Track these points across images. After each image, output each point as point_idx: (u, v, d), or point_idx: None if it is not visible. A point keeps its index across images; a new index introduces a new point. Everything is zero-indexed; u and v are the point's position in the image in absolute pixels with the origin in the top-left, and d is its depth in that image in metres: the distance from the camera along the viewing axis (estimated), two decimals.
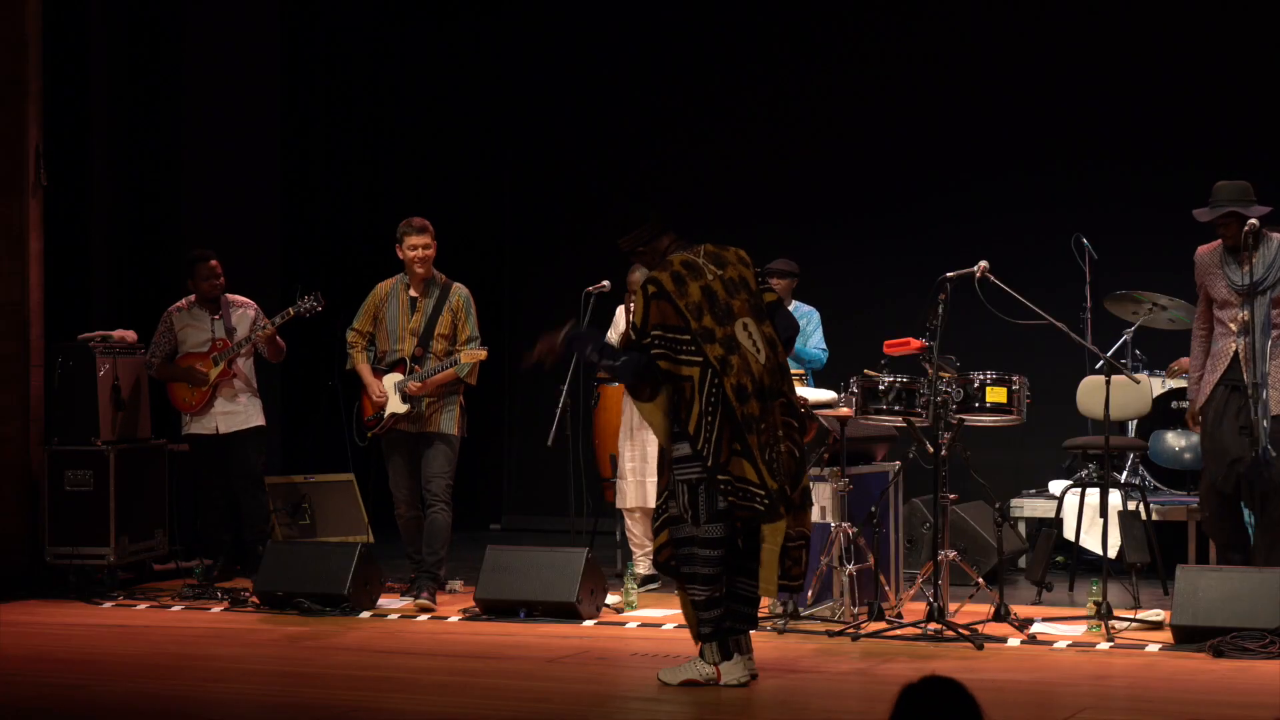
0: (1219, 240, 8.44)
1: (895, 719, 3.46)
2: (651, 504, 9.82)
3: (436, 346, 9.30)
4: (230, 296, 10.23)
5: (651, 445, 9.77)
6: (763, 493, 6.90)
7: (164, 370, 10.17)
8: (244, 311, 10.22)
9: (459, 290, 9.39)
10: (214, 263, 10.16)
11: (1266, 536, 8.33)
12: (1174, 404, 10.40)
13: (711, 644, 7.07)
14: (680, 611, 8.81)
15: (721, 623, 7.06)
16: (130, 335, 10.38)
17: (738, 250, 7.28)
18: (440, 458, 9.31)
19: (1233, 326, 8.30)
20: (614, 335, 10.05)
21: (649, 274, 7.18)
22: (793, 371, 10.22)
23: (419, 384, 9.24)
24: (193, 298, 10.20)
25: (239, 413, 10.14)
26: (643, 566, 9.89)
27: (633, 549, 10.01)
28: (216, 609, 9.29)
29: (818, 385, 10.04)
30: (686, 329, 6.97)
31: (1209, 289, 8.44)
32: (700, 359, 6.94)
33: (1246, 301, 8.27)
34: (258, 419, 10.23)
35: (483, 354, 9.31)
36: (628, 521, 10.05)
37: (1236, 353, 8.30)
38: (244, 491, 10.21)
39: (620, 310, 10.11)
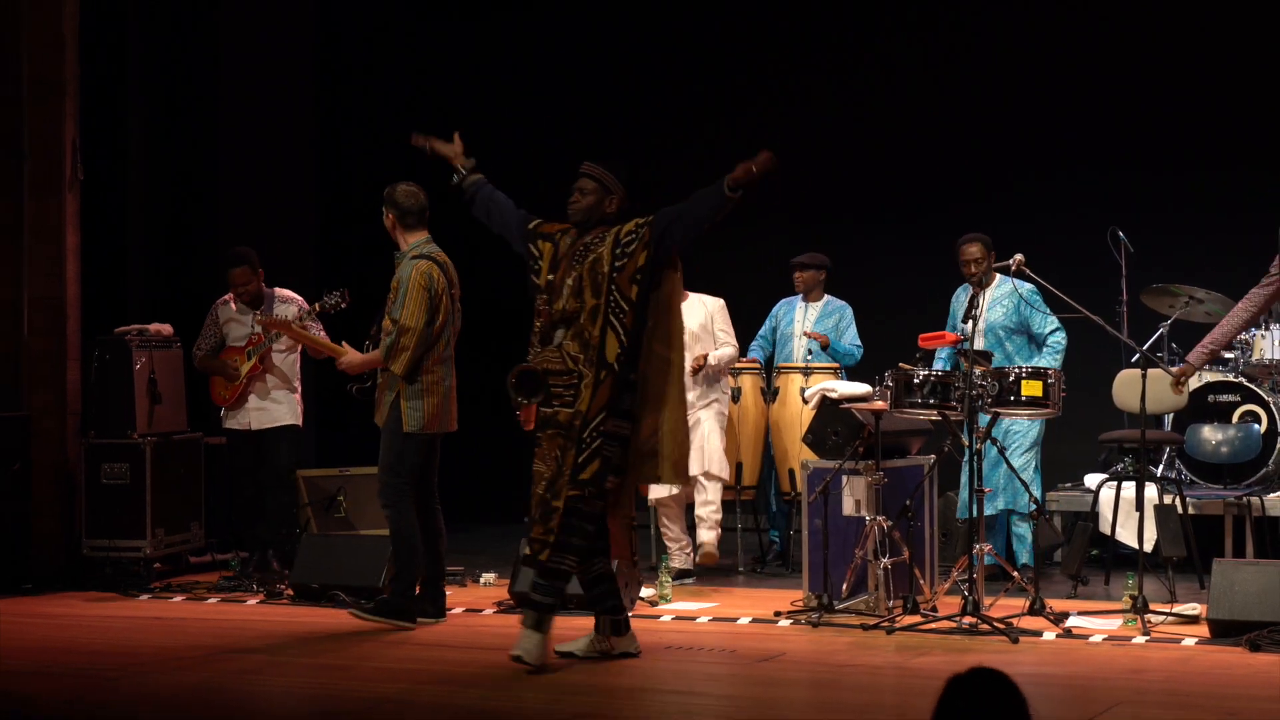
0: None
1: (941, 710, 3.45)
2: (681, 492, 9.87)
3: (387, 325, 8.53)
4: (279, 291, 10.09)
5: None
6: None
7: (205, 363, 10.11)
8: (287, 307, 9.99)
9: (415, 264, 8.45)
10: (241, 270, 9.89)
11: None
12: (1210, 398, 10.37)
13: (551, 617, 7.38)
14: (711, 605, 8.85)
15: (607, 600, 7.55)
16: (166, 329, 10.42)
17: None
18: (381, 450, 8.55)
19: None
20: None
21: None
22: (826, 365, 10.31)
23: (346, 362, 8.86)
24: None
25: (271, 409, 10.03)
26: (678, 560, 9.91)
27: (667, 543, 10.03)
28: (252, 601, 9.33)
29: (852, 379, 10.02)
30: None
31: None
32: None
33: None
34: (290, 418, 10.07)
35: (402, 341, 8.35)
36: (660, 514, 10.06)
37: None
38: (269, 490, 10.08)
39: None
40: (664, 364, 7.32)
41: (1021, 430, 9.60)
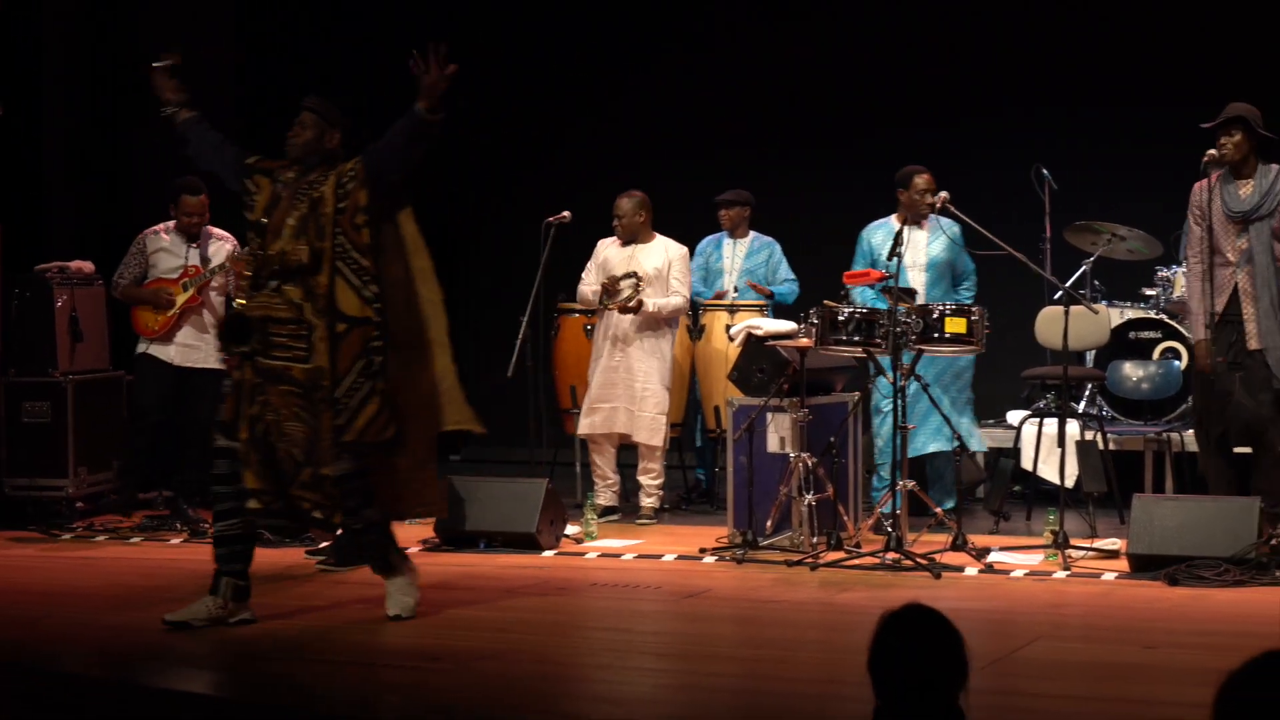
0: (1214, 175, 8.39)
1: (877, 646, 3.46)
2: (615, 430, 9.86)
3: None
4: (213, 229, 9.87)
5: (621, 373, 9.79)
6: None
7: (129, 292, 9.81)
8: (221, 245, 9.83)
9: None
10: (201, 198, 9.70)
11: (1267, 472, 8.33)
12: (1132, 334, 10.45)
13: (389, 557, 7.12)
14: (636, 542, 8.88)
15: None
16: (88, 266, 10.29)
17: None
18: None
19: (1231, 256, 8.28)
20: (593, 266, 10.05)
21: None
22: (752, 303, 10.32)
23: None
24: (172, 224, 9.82)
25: (201, 348, 9.76)
26: (604, 498, 9.92)
27: (595, 479, 10.02)
28: (176, 541, 9.29)
29: (778, 316, 10.03)
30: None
31: (1204, 219, 8.36)
32: None
33: (1243, 229, 8.24)
34: (217, 363, 9.53)
35: None
36: (591, 451, 10.05)
37: (1236, 285, 8.28)
38: (190, 442, 9.57)
39: (603, 242, 10.06)
40: (433, 306, 7.06)
41: (960, 370, 9.61)
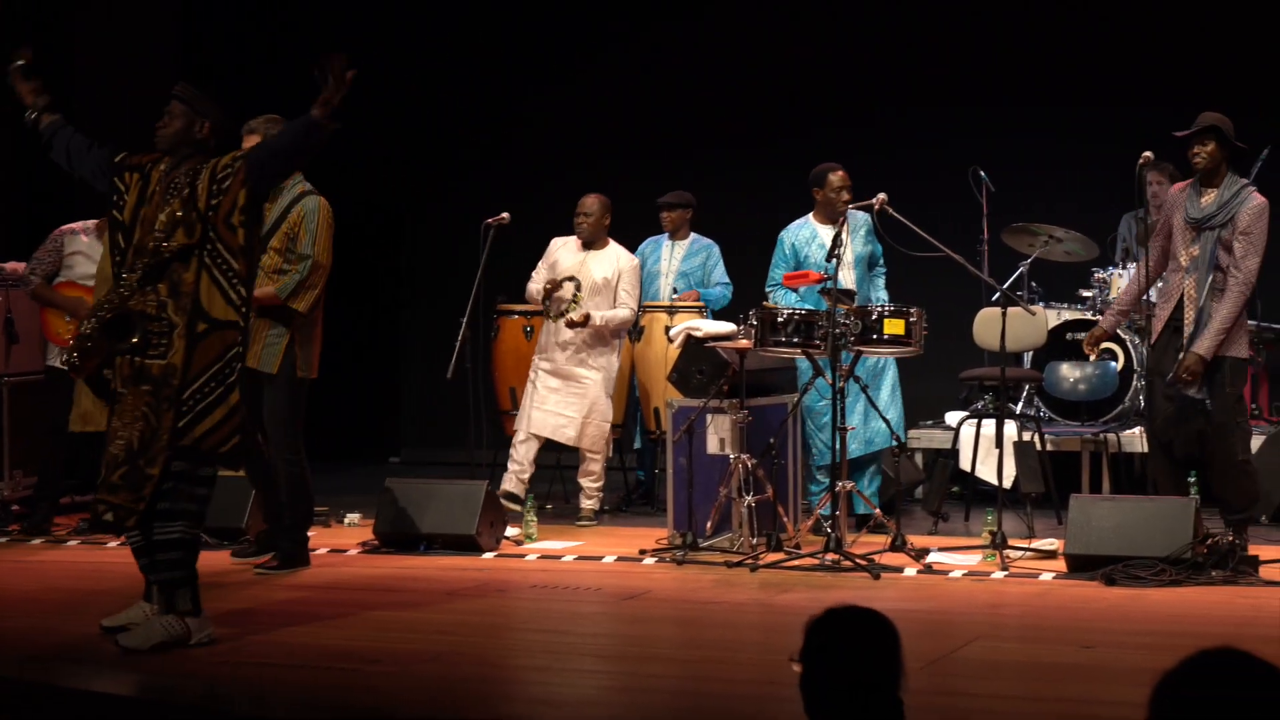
0: (1189, 180, 8.43)
1: (811, 647, 3.44)
2: (555, 438, 9.83)
3: (266, 260, 8.02)
4: None
5: (560, 379, 9.78)
6: None
7: (43, 293, 9.50)
8: None
9: (315, 199, 8.26)
10: None
11: (1222, 481, 8.36)
12: (1069, 336, 10.50)
13: (187, 591, 6.56)
14: (576, 544, 8.87)
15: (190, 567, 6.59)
16: (21, 267, 10.17)
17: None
18: (269, 399, 8.18)
19: (1184, 261, 8.33)
20: (544, 266, 10.03)
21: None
22: (691, 304, 10.32)
23: None
24: (92, 224, 9.54)
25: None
26: (510, 484, 9.76)
27: (509, 464, 9.89)
28: (113, 544, 9.21)
29: (718, 317, 10.04)
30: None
31: (1171, 222, 8.40)
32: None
33: (1197, 236, 8.29)
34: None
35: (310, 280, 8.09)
36: (515, 439, 9.94)
37: (1184, 291, 8.32)
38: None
39: (557, 241, 10.04)
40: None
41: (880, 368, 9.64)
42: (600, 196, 9.99)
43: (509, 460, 9.97)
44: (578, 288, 9.77)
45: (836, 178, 9.41)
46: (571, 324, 9.66)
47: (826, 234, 9.31)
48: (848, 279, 9.40)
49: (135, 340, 6.43)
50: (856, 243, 9.52)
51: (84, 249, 9.54)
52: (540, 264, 10.05)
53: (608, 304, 9.80)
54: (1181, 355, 8.11)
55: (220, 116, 6.77)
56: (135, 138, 6.94)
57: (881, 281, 9.65)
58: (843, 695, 3.40)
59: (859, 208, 9.15)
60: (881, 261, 9.69)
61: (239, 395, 6.54)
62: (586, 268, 9.85)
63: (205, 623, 6.58)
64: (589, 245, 9.92)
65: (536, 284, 9.98)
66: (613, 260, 9.90)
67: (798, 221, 9.62)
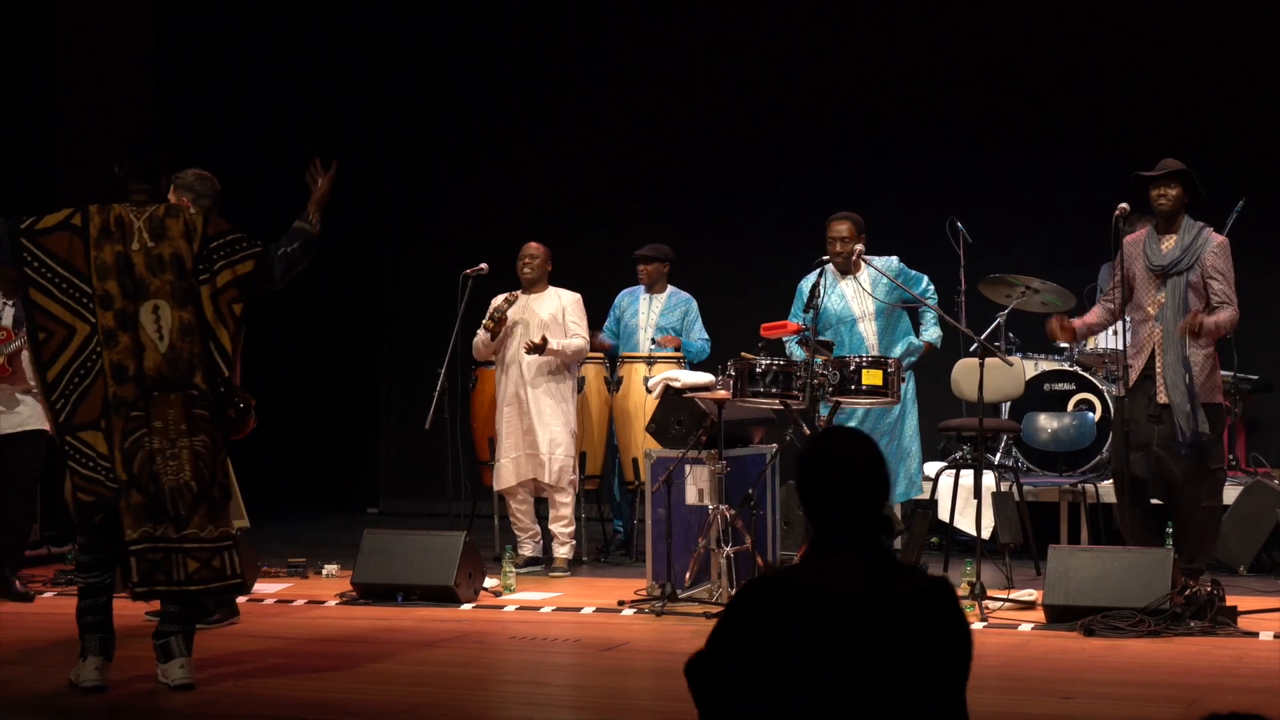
0: (1144, 230, 8.49)
1: (804, 461, 3.81)
2: (527, 478, 9.84)
3: None
4: None
5: (526, 420, 9.78)
6: (112, 472, 6.53)
7: None
8: None
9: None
10: None
11: (1183, 526, 8.42)
12: (1046, 387, 10.52)
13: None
14: (555, 595, 8.84)
15: (85, 617, 6.68)
16: None
17: (201, 219, 6.66)
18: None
19: (1151, 310, 8.35)
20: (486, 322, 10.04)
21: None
22: (670, 355, 10.34)
23: None
24: None
25: (20, 413, 9.04)
26: (527, 549, 9.89)
27: (516, 532, 9.99)
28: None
29: (696, 368, 10.05)
30: (90, 282, 6.50)
31: (1132, 271, 8.45)
32: (93, 320, 6.50)
33: (1162, 284, 8.32)
34: (36, 422, 8.88)
35: None
36: (509, 503, 10.01)
37: (1154, 342, 8.34)
38: (8, 498, 9.07)
39: (498, 298, 10.04)
40: None
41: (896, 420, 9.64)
42: (542, 245, 10.04)
43: (514, 527, 9.98)
44: (508, 300, 9.81)
45: (830, 228, 9.48)
46: (530, 348, 9.67)
47: (843, 283, 9.40)
48: (869, 331, 9.44)
49: None
50: (879, 292, 9.54)
51: None
52: (484, 321, 10.00)
53: (560, 338, 9.84)
54: (1157, 396, 8.20)
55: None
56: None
57: (931, 317, 9.69)
58: (834, 494, 3.74)
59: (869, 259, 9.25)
60: (930, 294, 9.67)
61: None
62: (530, 309, 9.90)
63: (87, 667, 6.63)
64: (531, 287, 9.96)
65: (479, 338, 9.99)
66: (554, 298, 10.00)
67: (816, 270, 9.64)
